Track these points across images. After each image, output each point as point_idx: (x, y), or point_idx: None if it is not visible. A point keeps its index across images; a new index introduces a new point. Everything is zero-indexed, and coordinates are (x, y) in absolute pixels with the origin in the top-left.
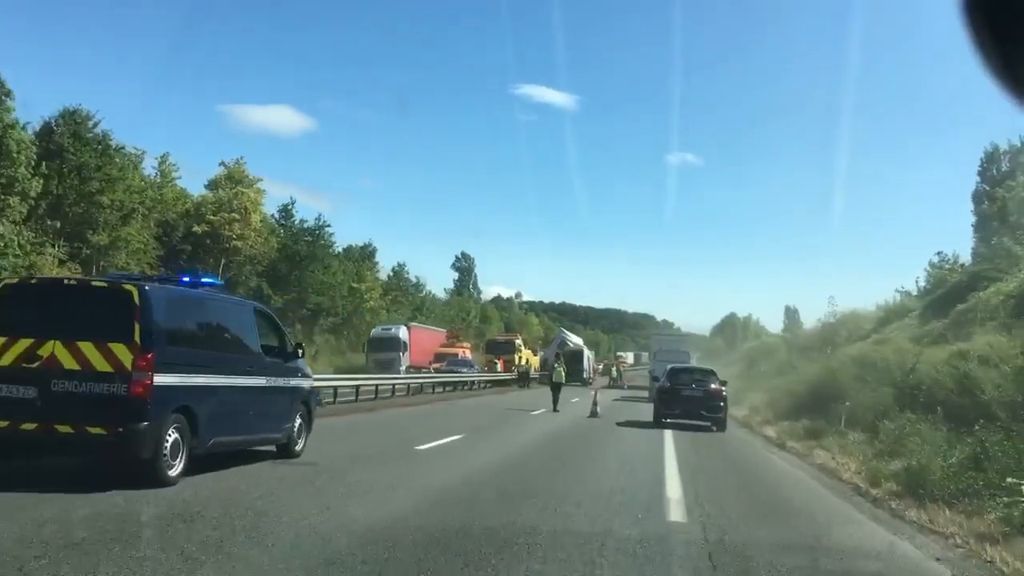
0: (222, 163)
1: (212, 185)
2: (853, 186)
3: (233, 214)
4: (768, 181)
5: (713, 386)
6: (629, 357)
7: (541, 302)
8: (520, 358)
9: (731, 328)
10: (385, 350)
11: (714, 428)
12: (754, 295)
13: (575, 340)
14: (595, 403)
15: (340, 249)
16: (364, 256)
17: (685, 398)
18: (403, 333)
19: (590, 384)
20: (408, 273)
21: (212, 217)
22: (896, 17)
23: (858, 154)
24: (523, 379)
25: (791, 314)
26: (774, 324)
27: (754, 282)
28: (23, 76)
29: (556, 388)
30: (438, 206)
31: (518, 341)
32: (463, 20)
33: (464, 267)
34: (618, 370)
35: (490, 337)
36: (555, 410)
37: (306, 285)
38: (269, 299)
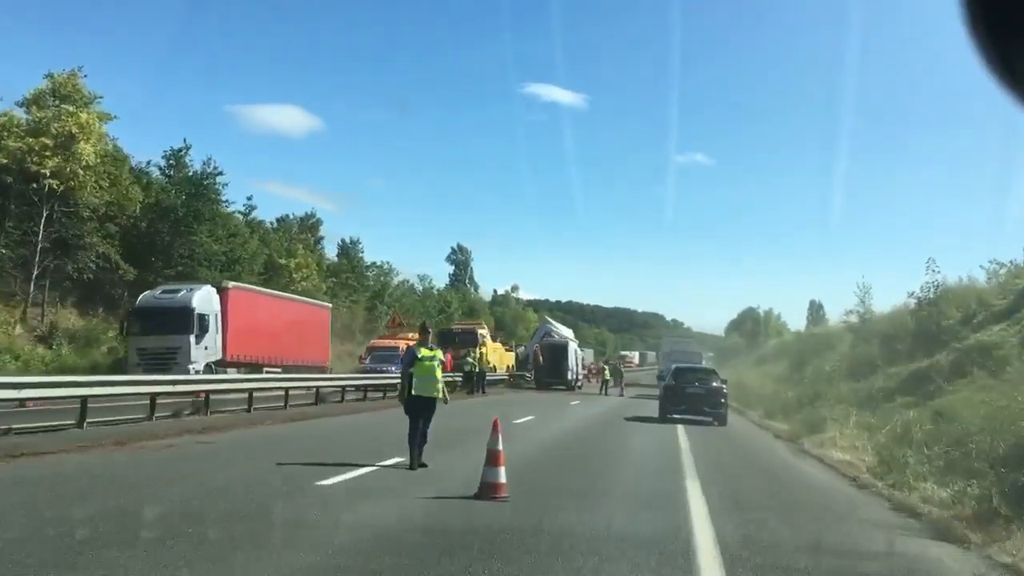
0: (48, 75)
1: (27, 104)
2: (868, 183)
3: (43, 139)
4: (780, 180)
5: (714, 384)
6: (635, 357)
7: (547, 300)
8: (483, 353)
9: (753, 323)
10: (159, 330)
11: (715, 423)
12: (767, 294)
13: (562, 332)
14: (492, 455)
15: (273, 220)
16: (305, 228)
17: (689, 395)
18: (200, 300)
19: (578, 388)
20: (363, 251)
21: (12, 144)
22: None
23: (865, 152)
24: (470, 381)
25: (815, 309)
26: (794, 320)
27: (766, 281)
28: (26, 77)
29: (420, 409)
30: (445, 205)
31: (482, 331)
32: (471, 18)
33: (460, 260)
34: (617, 370)
35: (444, 326)
36: (414, 466)
37: (198, 256)
38: (118, 270)
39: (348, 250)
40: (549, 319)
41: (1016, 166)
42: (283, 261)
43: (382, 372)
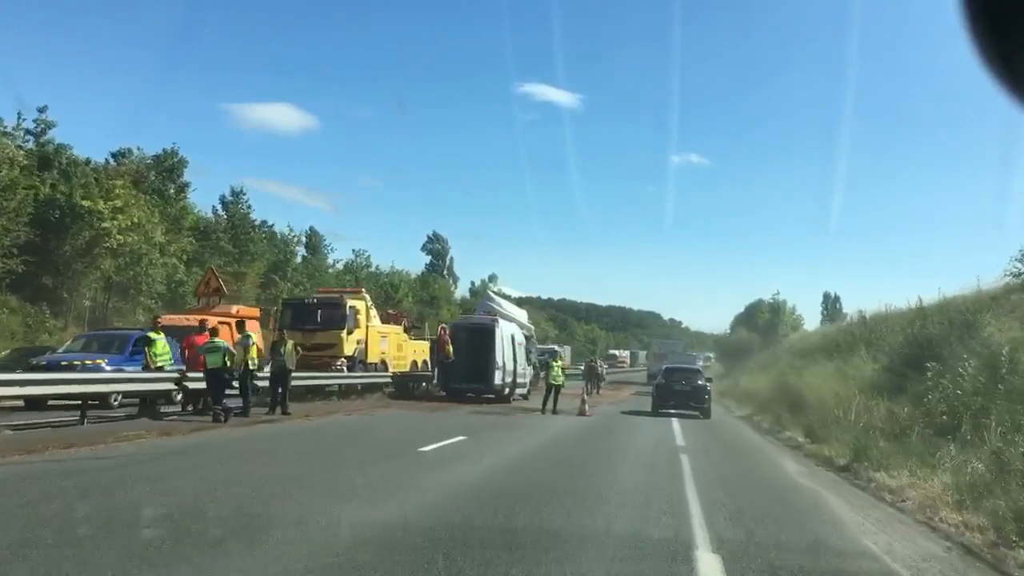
0: None
1: None
2: (867, 183)
3: None
4: (777, 180)
5: (699, 382)
6: (626, 357)
7: (539, 298)
8: (364, 339)
9: (772, 313)
10: None
11: (700, 416)
12: (765, 292)
13: (509, 311)
14: None
15: (105, 159)
16: (164, 170)
17: (677, 392)
18: None
19: (518, 398)
20: (252, 210)
21: None
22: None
23: (864, 152)
24: (219, 391)
25: (831, 302)
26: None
27: (764, 280)
28: (23, 75)
29: None
30: (439, 205)
31: (355, 303)
32: (466, 17)
33: (437, 249)
34: (592, 372)
35: (292, 295)
36: None
37: None
38: None
39: (229, 205)
40: (492, 293)
41: (1016, 165)
42: (87, 203)
43: (68, 370)
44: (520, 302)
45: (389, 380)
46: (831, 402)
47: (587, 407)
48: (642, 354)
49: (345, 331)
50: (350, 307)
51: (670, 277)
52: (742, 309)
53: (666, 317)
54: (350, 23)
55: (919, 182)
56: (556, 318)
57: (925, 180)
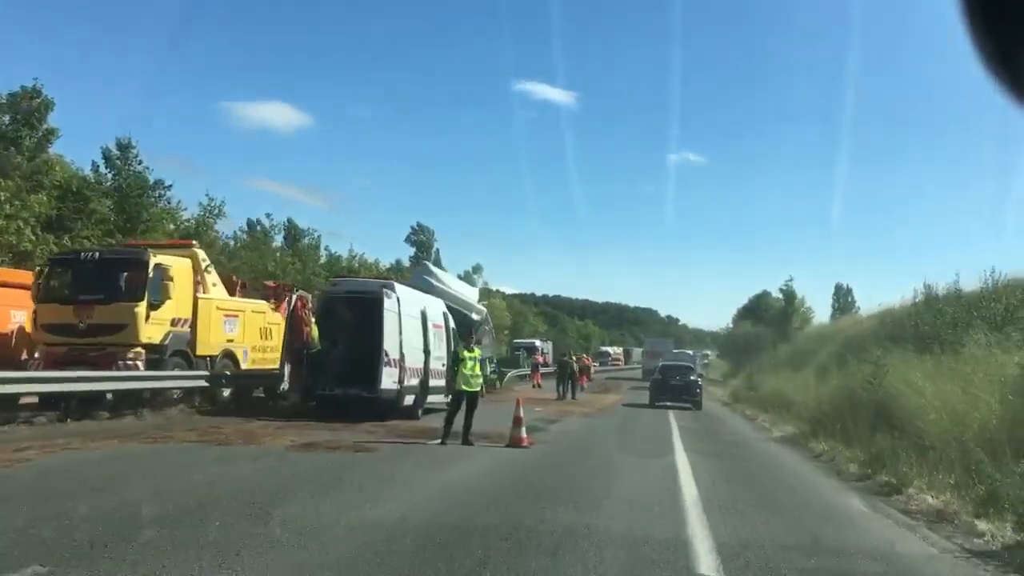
0: None
1: None
2: (867, 182)
3: None
4: (775, 179)
5: (692, 378)
6: (620, 353)
7: (533, 294)
8: (158, 313)
9: (787, 301)
10: None
11: (691, 408)
12: (762, 288)
13: (449, 287)
14: None
15: None
16: (20, 113)
17: (672, 386)
18: None
19: (426, 409)
20: (147, 169)
21: None
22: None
23: (863, 152)
24: None
25: (843, 294)
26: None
27: (763, 279)
28: (20, 73)
29: None
30: (436, 202)
31: (163, 262)
32: (463, 15)
33: (421, 241)
34: (566, 368)
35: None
36: None
37: None
38: None
39: (116, 161)
40: (430, 264)
41: (1015, 162)
42: None
43: None
44: (514, 298)
45: (204, 384)
46: (1003, 433)
47: (524, 432)
48: (637, 351)
49: (144, 304)
50: (156, 266)
51: (667, 274)
52: (745, 302)
53: (663, 314)
54: (345, 21)
55: (918, 180)
56: (548, 314)
57: (925, 178)
